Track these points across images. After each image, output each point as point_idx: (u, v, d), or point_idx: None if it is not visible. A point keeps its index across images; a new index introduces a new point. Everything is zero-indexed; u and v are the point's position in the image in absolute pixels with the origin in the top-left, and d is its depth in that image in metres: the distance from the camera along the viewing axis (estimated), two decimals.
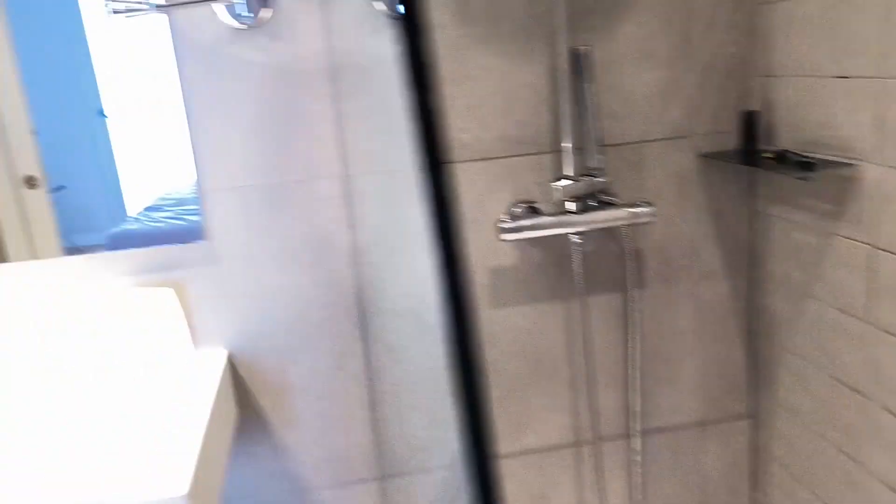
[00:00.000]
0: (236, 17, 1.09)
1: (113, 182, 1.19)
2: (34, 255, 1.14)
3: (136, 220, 1.21)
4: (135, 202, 1.21)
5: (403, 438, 1.30)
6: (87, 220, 1.16)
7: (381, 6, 1.11)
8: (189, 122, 1.12)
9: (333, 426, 1.27)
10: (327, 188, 1.18)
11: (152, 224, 1.20)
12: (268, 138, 1.15)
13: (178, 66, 1.11)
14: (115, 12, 0.99)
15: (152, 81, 1.15)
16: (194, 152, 1.14)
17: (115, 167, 1.18)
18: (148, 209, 1.22)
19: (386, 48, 1.14)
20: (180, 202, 1.22)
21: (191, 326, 1.18)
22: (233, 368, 1.21)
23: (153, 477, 0.83)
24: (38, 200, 1.13)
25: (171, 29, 1.09)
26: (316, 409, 1.26)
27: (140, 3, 1.00)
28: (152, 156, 1.20)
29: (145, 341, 1.10)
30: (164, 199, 1.24)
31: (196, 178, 1.15)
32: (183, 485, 0.82)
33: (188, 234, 1.19)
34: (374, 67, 1.15)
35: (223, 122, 1.13)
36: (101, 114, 1.14)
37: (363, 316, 1.24)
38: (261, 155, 1.15)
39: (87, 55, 1.12)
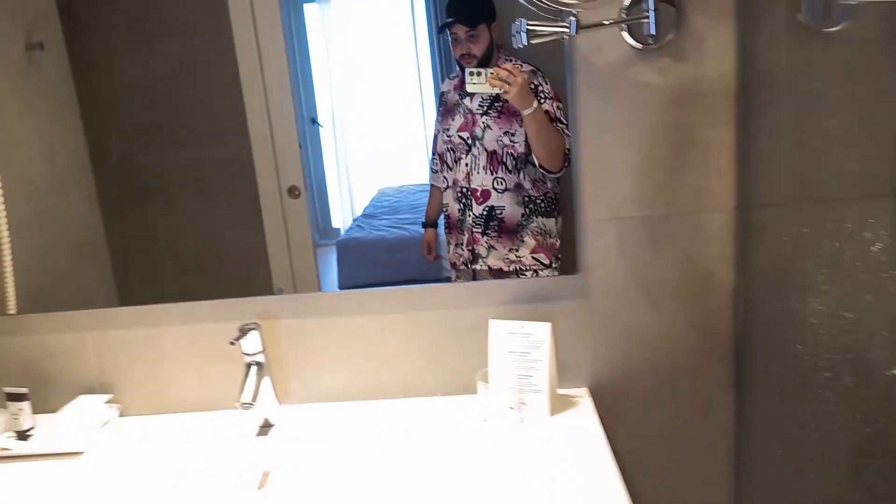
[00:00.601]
0: (642, 37, 1.02)
1: (322, 187, 1.21)
2: (291, 263, 1.18)
3: (358, 226, 1.22)
4: (346, 207, 1.24)
5: (770, 502, 1.16)
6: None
7: (807, 18, 0.98)
8: (578, 148, 1.07)
9: (692, 479, 1.17)
10: (715, 222, 1.08)
11: (375, 232, 1.21)
12: (657, 166, 1.06)
13: (573, 90, 1.05)
14: (532, 40, 0.95)
15: (361, 91, 1.18)
16: (578, 179, 1.08)
17: (325, 173, 1.21)
18: (364, 216, 1.23)
19: (805, 65, 1.01)
20: (393, 210, 1.22)
21: (558, 361, 1.13)
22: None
23: None
24: (299, 209, 1.16)
25: (568, 51, 1.04)
26: (674, 459, 1.16)
27: (559, 29, 0.94)
28: (363, 162, 1.23)
29: (519, 378, 1.05)
30: (375, 206, 1.24)
31: (578, 206, 1.09)
32: None
33: (412, 244, 1.18)
34: (786, 87, 1.02)
35: (613, 147, 1.06)
36: (315, 122, 1.16)
37: (739, 362, 1.12)
38: (648, 184, 1.07)
39: (309, 66, 1.15)
